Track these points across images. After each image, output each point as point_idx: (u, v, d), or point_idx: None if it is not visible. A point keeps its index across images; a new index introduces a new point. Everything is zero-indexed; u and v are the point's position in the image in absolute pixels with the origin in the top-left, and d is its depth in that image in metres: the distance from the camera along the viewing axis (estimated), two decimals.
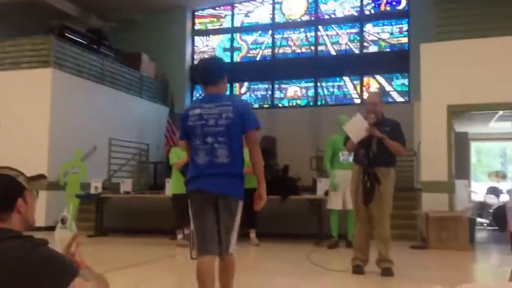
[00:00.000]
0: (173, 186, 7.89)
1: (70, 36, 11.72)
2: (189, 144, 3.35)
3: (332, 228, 7.63)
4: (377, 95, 5.64)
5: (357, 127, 5.19)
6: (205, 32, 15.30)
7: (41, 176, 1.96)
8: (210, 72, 3.35)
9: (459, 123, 10.35)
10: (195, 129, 3.26)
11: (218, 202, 3.24)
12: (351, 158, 6.81)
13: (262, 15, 14.80)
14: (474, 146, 13.50)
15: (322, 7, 14.30)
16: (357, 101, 13.63)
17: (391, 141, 5.15)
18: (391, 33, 13.66)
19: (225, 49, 15.09)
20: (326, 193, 7.95)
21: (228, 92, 3.51)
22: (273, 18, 14.69)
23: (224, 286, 3.35)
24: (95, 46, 12.50)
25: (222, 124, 3.21)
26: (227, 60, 14.93)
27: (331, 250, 7.38)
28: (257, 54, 14.75)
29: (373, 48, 13.76)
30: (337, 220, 7.60)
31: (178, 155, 7.67)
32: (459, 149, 9.56)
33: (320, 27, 14.26)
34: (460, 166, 9.65)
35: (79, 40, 12.03)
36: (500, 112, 9.48)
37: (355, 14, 14.02)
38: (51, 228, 9.66)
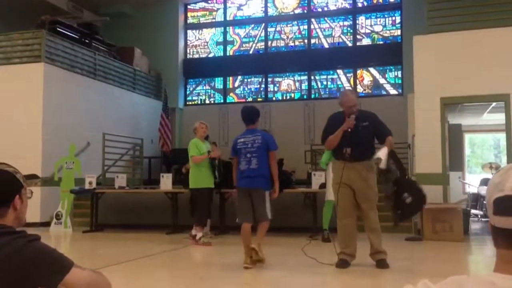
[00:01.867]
0: (192, 181, 7.56)
1: (61, 30, 11.61)
2: (236, 159, 5.63)
3: (325, 220, 7.58)
4: (353, 95, 5.61)
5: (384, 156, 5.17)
6: (198, 26, 15.23)
7: (34, 176, 1.96)
8: (249, 117, 5.68)
9: (452, 115, 10.38)
10: (241, 150, 5.55)
11: (253, 193, 5.49)
12: None
13: (254, 8, 14.75)
14: (467, 138, 13.55)
15: (315, 0, 14.26)
16: None
17: (391, 144, 5.17)
18: (384, 26, 13.66)
19: (218, 43, 15.04)
20: (321, 186, 7.95)
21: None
22: (265, 11, 14.64)
23: (258, 235, 5.57)
24: (87, 41, 12.40)
25: (255, 146, 5.50)
26: (220, 53, 14.91)
27: (326, 244, 7.38)
28: (250, 47, 14.71)
29: (366, 41, 13.76)
30: (331, 212, 7.53)
31: (199, 148, 7.49)
32: (452, 141, 9.58)
33: (313, 20, 14.23)
34: (454, 158, 9.69)
35: (70, 34, 11.92)
36: (493, 104, 9.52)
37: (348, 6, 14.00)
38: (46, 224, 9.66)
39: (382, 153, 5.09)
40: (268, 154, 5.50)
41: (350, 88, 13.42)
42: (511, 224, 0.90)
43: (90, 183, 9.39)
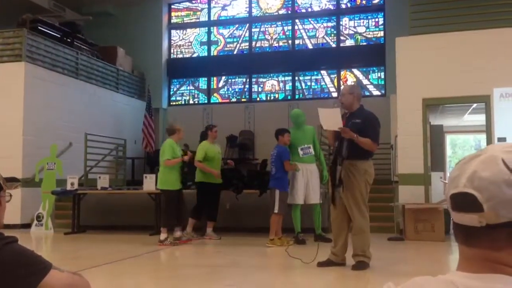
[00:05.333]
0: (163, 182, 7.53)
1: (43, 29, 11.45)
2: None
3: (296, 225, 7.43)
4: (346, 86, 5.69)
5: (331, 119, 5.17)
6: (182, 26, 15.17)
7: (14, 179, 1.93)
8: (275, 134, 7.36)
9: (434, 116, 10.50)
10: (271, 161, 7.37)
11: (273, 191, 7.13)
12: (310, 151, 7.24)
13: (239, 8, 14.74)
14: (449, 138, 13.72)
15: (299, 1, 14.31)
16: (334, 94, 13.70)
17: (362, 139, 5.08)
18: (367, 27, 13.75)
19: (202, 43, 15.00)
20: None
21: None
22: (250, 12, 14.64)
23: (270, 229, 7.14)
24: (69, 40, 12.26)
25: (273, 158, 7.23)
26: (204, 53, 14.87)
27: (314, 244, 7.39)
28: (234, 47, 14.69)
29: (349, 42, 13.84)
30: (299, 215, 7.45)
31: (175, 151, 7.48)
32: (434, 142, 9.69)
33: (297, 20, 14.27)
34: (436, 158, 9.80)
35: (52, 33, 11.77)
36: (474, 105, 9.65)
37: (332, 8, 14.07)
38: (27, 226, 9.54)
39: (332, 116, 5.12)
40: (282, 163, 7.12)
41: (335, 87, 13.49)
42: (466, 220, 0.91)
43: (72, 184, 9.28)
